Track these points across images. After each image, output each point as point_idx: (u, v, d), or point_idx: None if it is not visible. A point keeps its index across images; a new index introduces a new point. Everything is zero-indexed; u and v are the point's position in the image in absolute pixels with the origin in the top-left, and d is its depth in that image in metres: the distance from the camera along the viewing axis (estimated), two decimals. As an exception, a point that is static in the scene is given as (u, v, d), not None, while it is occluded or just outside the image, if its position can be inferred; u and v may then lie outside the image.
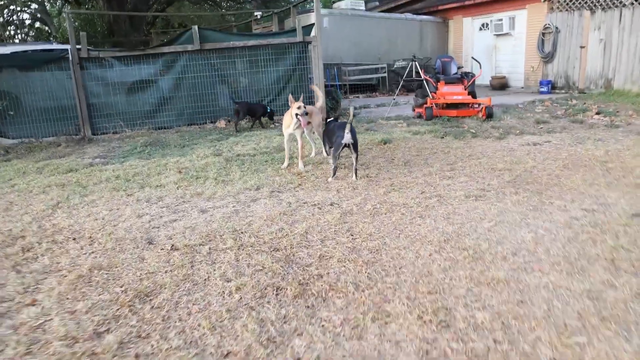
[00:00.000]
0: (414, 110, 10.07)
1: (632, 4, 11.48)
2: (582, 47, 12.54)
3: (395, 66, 15.13)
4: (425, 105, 9.19)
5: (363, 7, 15.71)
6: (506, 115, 9.49)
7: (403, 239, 3.51)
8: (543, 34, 13.24)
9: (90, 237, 3.75)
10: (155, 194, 4.84)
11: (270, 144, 7.09)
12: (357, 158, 5.02)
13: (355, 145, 4.86)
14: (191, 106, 8.93)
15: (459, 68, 10.28)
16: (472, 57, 10.23)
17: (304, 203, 4.35)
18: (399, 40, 15.63)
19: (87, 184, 5.31)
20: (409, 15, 15.91)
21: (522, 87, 14.33)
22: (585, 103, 10.54)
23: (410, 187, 4.79)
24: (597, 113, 9.40)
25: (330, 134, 5.28)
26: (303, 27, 9.42)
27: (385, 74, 14.92)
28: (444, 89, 9.49)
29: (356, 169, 5.07)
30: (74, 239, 3.73)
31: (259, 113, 8.87)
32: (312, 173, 5.42)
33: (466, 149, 6.48)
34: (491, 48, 15.20)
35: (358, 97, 14.40)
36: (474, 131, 7.84)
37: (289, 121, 5.54)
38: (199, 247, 3.45)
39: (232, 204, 4.40)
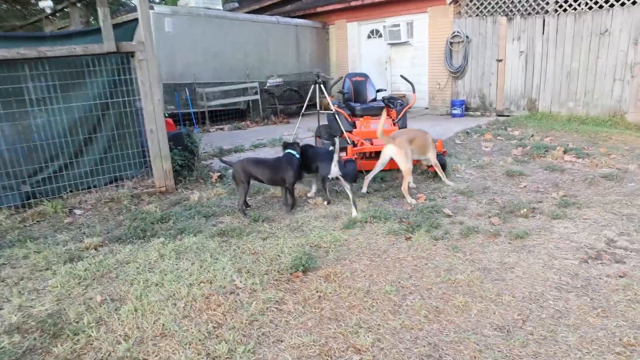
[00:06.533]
0: (319, 159, 6.34)
1: (556, 10, 9.37)
2: (499, 60, 10.17)
3: (268, 84, 11.30)
4: (344, 158, 5.50)
5: (220, 7, 11.57)
6: (455, 161, 6.31)
7: None
8: (451, 43, 10.63)
9: None
10: None
11: (44, 300, 2.65)
12: (351, 189, 4.37)
13: (344, 176, 4.36)
14: None
15: (378, 91, 6.83)
16: (402, 76, 6.81)
17: None
18: (271, 50, 11.82)
19: None
20: (283, 19, 12.19)
21: (427, 108, 11.62)
22: (533, 135, 7.96)
23: None
24: (564, 152, 6.80)
25: (310, 161, 4.61)
26: (118, 25, 5.07)
27: (258, 96, 11.00)
28: (369, 126, 5.92)
29: (354, 202, 4.30)
30: None
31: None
32: None
33: (490, 285, 2.92)
34: (384, 60, 12.28)
35: (222, 128, 10.26)
36: (448, 212, 4.37)
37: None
38: None
39: None
